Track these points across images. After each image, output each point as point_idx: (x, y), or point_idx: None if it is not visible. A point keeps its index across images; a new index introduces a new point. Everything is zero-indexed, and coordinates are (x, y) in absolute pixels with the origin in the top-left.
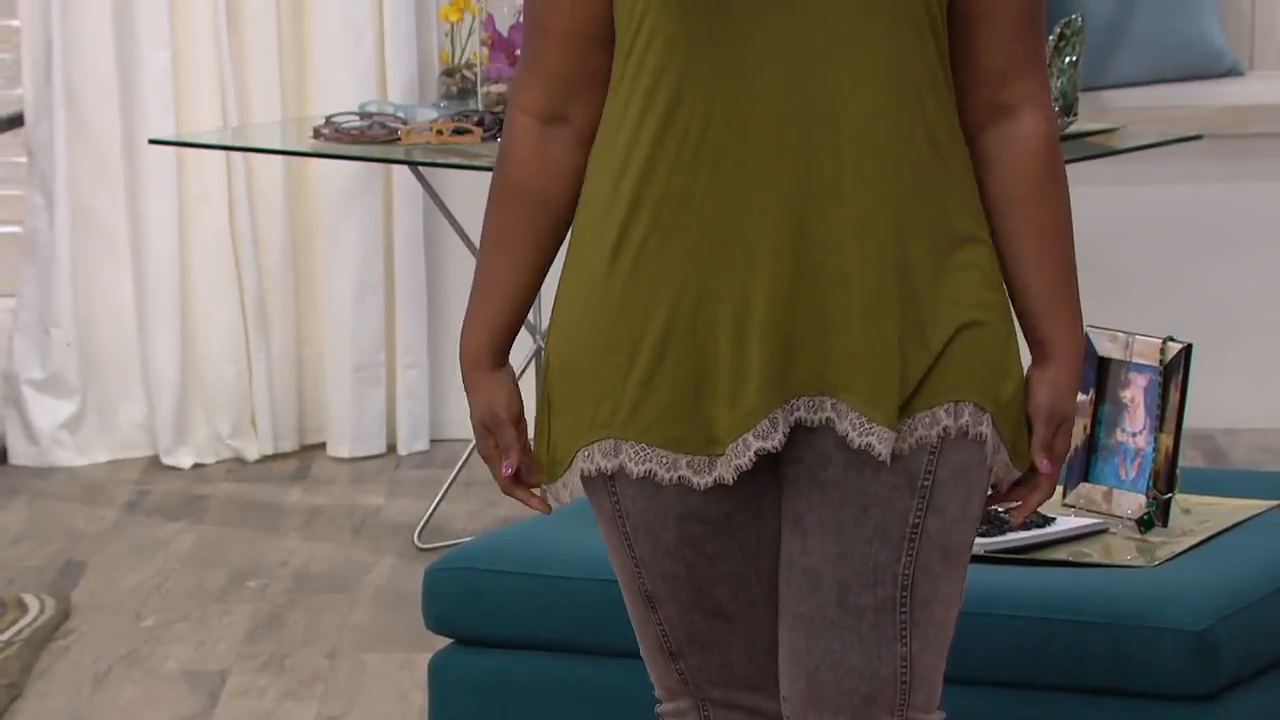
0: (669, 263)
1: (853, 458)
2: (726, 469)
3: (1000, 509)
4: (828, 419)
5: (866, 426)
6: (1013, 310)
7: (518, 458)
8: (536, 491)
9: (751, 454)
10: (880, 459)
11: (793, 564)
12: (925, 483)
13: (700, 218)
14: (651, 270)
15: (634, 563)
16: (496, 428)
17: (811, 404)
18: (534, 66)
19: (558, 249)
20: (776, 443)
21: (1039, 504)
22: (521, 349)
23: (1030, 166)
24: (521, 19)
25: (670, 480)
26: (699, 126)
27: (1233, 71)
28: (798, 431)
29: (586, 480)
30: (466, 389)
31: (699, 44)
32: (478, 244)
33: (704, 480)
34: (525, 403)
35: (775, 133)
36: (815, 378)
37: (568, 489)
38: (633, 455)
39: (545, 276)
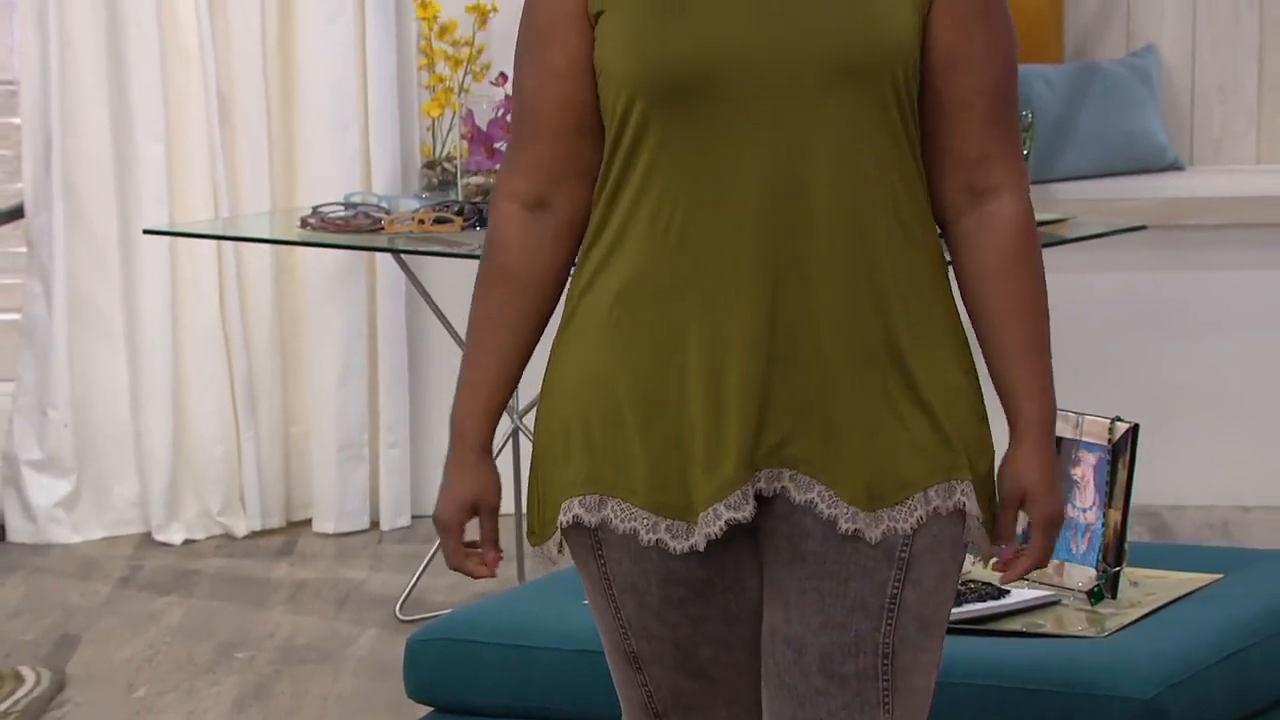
0: (655, 336)
1: (830, 529)
2: (698, 536)
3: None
4: (807, 498)
5: (836, 502)
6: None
7: (494, 549)
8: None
9: (722, 524)
10: (851, 535)
11: (775, 632)
12: (903, 554)
13: (682, 297)
14: (638, 343)
15: (620, 624)
16: (484, 513)
17: (772, 475)
18: (521, 155)
19: (543, 330)
20: (747, 514)
21: (1026, 570)
22: (499, 428)
23: (1002, 247)
24: (500, 114)
25: (649, 542)
26: (681, 215)
27: (1173, 166)
28: (776, 501)
29: (574, 542)
30: (457, 470)
31: (678, 137)
32: (459, 328)
33: (681, 545)
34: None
35: (752, 222)
36: (780, 449)
37: (557, 545)
38: (617, 512)
39: (530, 358)
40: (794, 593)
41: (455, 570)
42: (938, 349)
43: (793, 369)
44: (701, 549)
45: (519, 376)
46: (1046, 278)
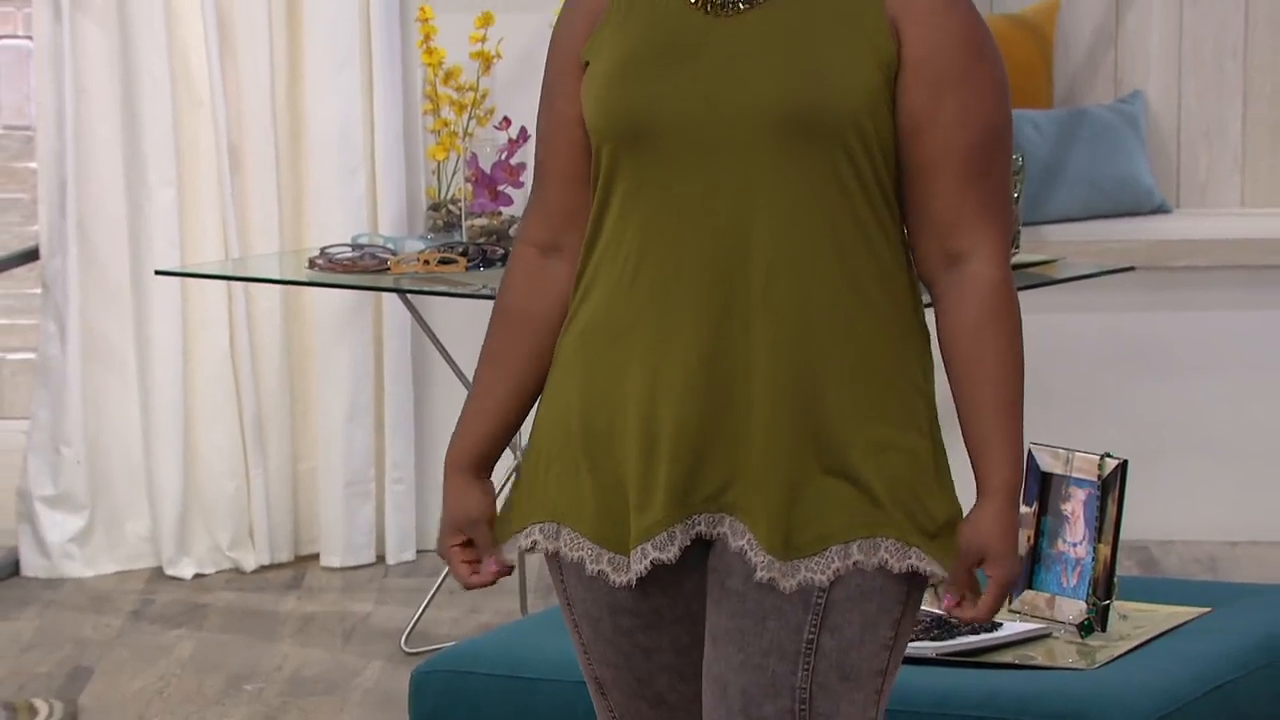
0: (606, 376)
1: (753, 571)
2: (630, 573)
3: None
4: (739, 545)
5: (757, 549)
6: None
7: (494, 558)
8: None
9: (648, 563)
10: (767, 583)
11: (707, 670)
12: (819, 601)
13: (630, 339)
14: (593, 381)
15: (583, 648)
16: (471, 529)
17: (712, 520)
18: (536, 200)
19: (538, 368)
20: (672, 555)
21: (969, 620)
22: (500, 464)
23: (973, 310)
24: (503, 158)
25: (593, 572)
26: (638, 259)
27: (1160, 209)
28: (717, 544)
29: (549, 567)
30: (445, 491)
31: (644, 183)
32: (464, 367)
33: (620, 579)
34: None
35: (699, 270)
36: (718, 496)
37: (512, 552)
38: (568, 541)
39: (536, 394)
40: (720, 631)
41: (466, 589)
42: (879, 409)
43: (726, 417)
44: (633, 585)
45: (514, 409)
46: (1038, 316)
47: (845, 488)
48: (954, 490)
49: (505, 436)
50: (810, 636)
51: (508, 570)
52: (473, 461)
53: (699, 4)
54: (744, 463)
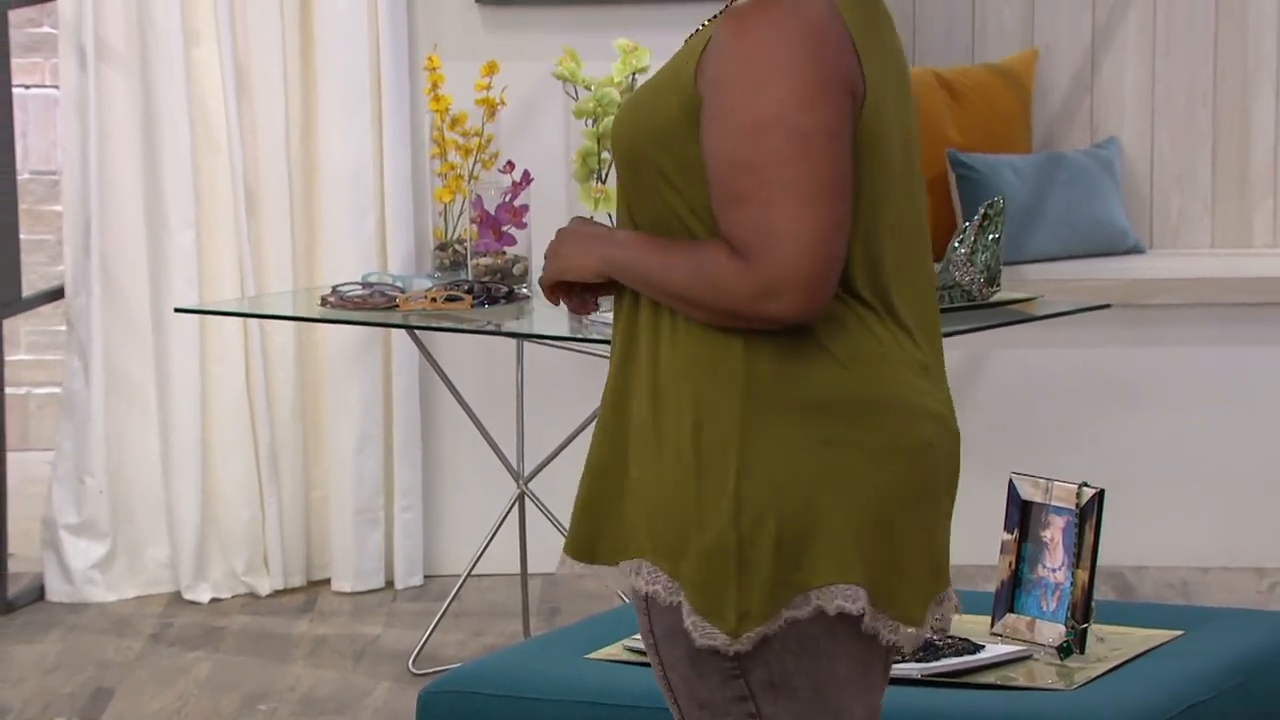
0: None
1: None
2: None
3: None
4: None
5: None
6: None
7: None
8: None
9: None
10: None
11: None
12: (651, 640)
13: None
14: None
15: None
16: None
17: None
18: None
19: None
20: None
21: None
22: (505, 492)
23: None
24: (507, 199)
25: None
26: None
27: (1134, 250)
28: None
29: None
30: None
31: None
32: (469, 399)
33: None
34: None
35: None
36: None
37: None
38: None
39: None
40: None
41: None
42: (656, 435)
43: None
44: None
45: None
46: (1019, 351)
47: (626, 507)
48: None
49: None
50: (661, 673)
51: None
52: None
53: None
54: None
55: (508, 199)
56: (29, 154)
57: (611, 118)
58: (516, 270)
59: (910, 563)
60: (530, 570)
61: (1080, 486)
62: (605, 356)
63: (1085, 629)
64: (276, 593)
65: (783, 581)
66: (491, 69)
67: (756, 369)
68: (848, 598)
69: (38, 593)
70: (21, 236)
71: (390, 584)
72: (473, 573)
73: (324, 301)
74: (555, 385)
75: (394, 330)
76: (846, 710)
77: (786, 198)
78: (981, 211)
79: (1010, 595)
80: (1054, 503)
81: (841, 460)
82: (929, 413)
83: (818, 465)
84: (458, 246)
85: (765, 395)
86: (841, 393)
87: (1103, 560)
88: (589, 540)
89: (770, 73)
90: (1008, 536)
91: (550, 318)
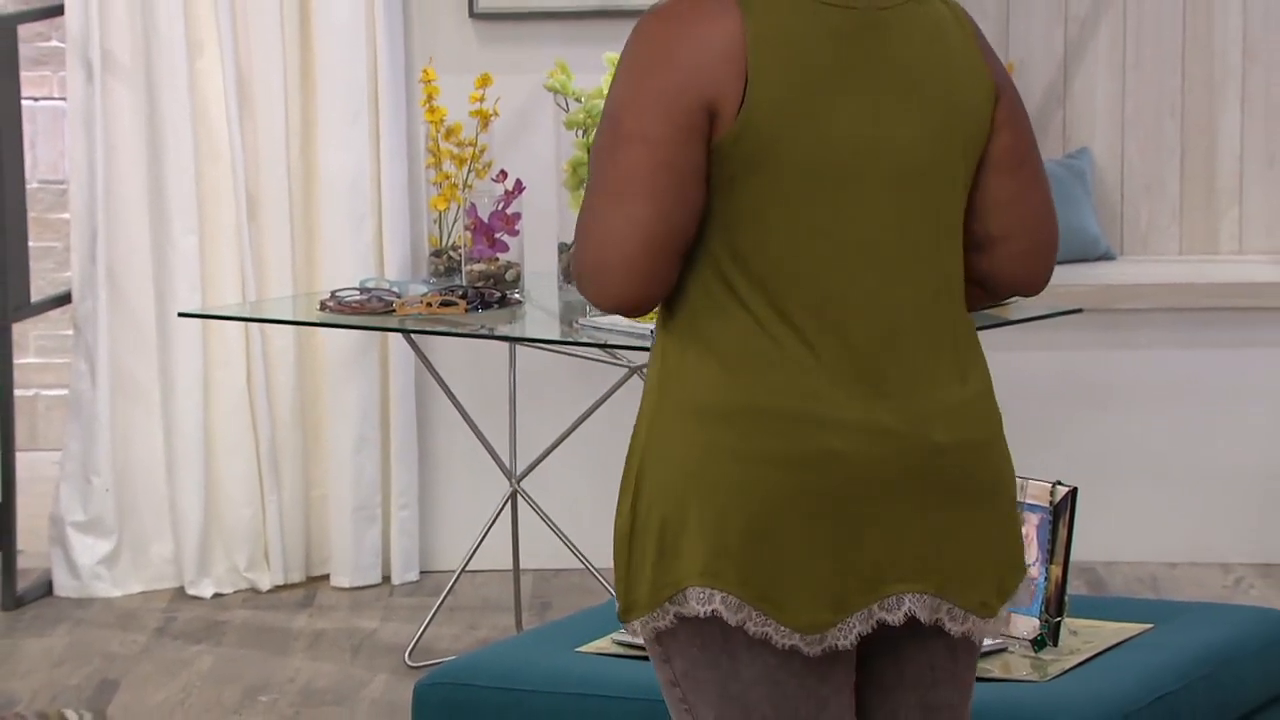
0: None
1: None
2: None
3: None
4: None
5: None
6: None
7: None
8: None
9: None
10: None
11: None
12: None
13: None
14: None
15: None
16: None
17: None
18: None
19: None
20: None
21: None
22: (498, 491)
23: None
24: (500, 208)
25: None
26: None
27: (1105, 256)
28: None
29: None
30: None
31: None
32: (464, 401)
33: None
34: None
35: None
36: None
37: None
38: None
39: None
40: None
41: None
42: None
43: None
44: None
45: None
46: (994, 354)
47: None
48: None
49: None
50: None
51: None
52: None
53: None
54: None
55: (501, 207)
56: (37, 164)
57: None
58: (509, 276)
59: (804, 570)
60: (522, 566)
61: (1054, 485)
62: (595, 359)
63: (1059, 622)
64: (277, 588)
65: (660, 580)
66: (485, 81)
67: (667, 366)
68: (701, 600)
69: (46, 588)
70: (30, 244)
71: (387, 579)
72: (467, 568)
73: (323, 306)
74: (547, 387)
75: (391, 334)
76: (755, 709)
77: (596, 191)
78: None
79: None
80: (1028, 500)
81: (719, 466)
82: (837, 422)
83: (698, 468)
84: (452, 253)
85: (670, 394)
86: (725, 397)
87: (1075, 556)
88: None
89: (620, 74)
90: None
91: (542, 322)
